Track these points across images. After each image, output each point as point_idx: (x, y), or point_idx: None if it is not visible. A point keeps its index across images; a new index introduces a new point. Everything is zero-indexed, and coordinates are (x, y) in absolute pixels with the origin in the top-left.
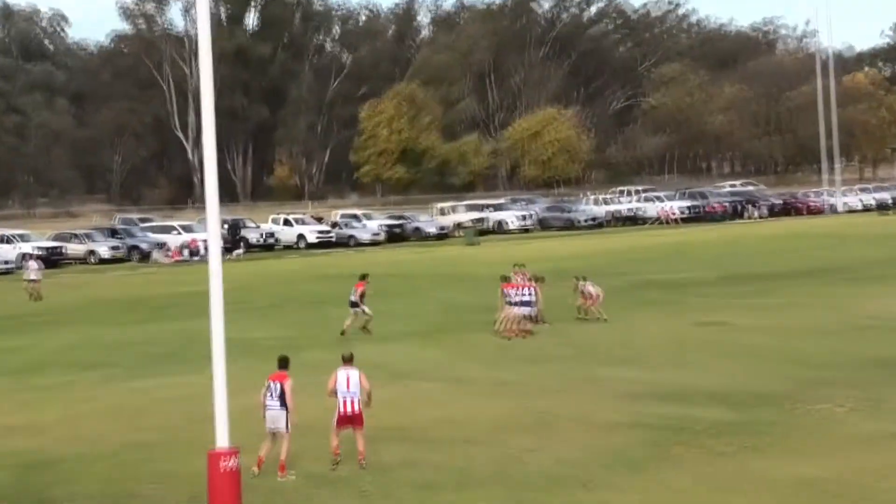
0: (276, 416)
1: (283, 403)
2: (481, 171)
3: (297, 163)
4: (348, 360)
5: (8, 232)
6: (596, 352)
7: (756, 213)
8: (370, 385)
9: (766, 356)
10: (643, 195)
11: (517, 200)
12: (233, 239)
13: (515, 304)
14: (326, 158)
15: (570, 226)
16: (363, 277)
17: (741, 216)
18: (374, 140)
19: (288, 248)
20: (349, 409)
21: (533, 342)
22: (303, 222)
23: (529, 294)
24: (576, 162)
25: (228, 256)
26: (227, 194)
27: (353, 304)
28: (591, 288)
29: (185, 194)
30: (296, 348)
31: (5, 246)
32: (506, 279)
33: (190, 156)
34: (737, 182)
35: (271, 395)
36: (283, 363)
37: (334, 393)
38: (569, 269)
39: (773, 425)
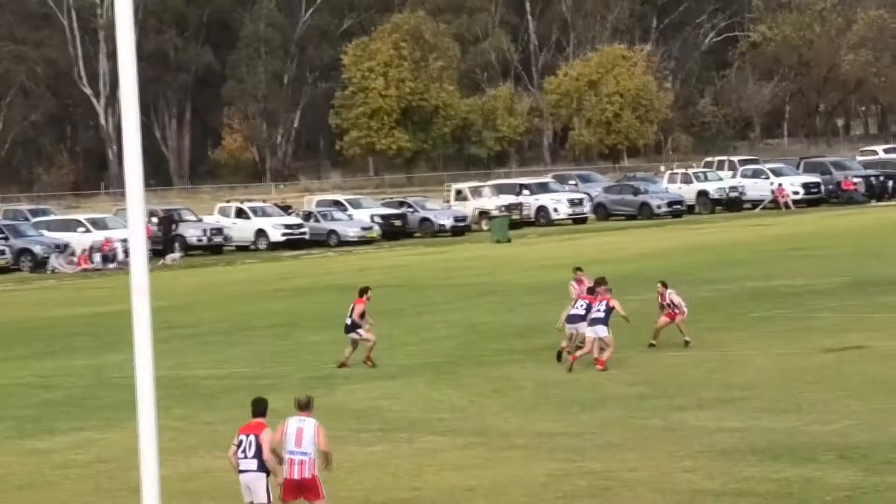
0: (253, 483)
1: (262, 464)
2: (516, 137)
3: (254, 129)
4: (304, 407)
5: None
6: (677, 390)
7: None
8: (329, 445)
9: None
10: (747, 168)
11: (566, 178)
12: (165, 238)
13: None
14: (296, 122)
15: (643, 213)
16: (363, 293)
17: (884, 197)
18: (363, 95)
19: (243, 248)
20: (298, 473)
21: (587, 377)
22: (264, 213)
23: (587, 307)
24: (651, 122)
25: (160, 262)
26: (157, 175)
27: (351, 328)
28: (675, 297)
29: (96, 176)
30: (257, 390)
31: None
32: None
33: (102, 120)
34: (878, 148)
35: (244, 453)
36: (260, 409)
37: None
38: (639, 275)
39: None
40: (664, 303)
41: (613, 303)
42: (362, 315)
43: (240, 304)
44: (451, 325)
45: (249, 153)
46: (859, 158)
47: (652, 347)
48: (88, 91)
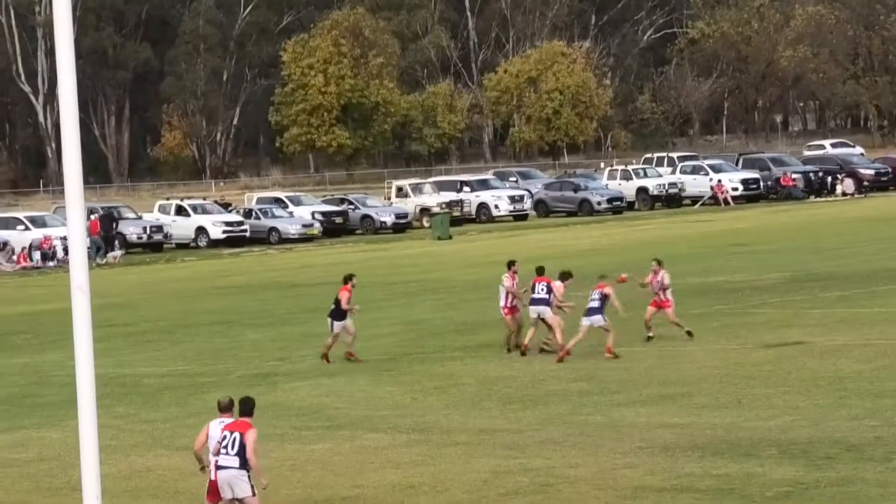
0: (234, 480)
1: (245, 462)
2: (456, 133)
3: (193, 126)
4: (225, 409)
5: None
6: (618, 386)
7: (841, 189)
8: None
9: (856, 389)
10: (686, 165)
11: (507, 175)
12: (105, 235)
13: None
14: (236, 119)
15: (584, 210)
16: (347, 280)
17: (823, 193)
18: (303, 92)
19: (183, 246)
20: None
21: (529, 374)
22: (203, 210)
23: (602, 298)
24: (591, 119)
25: (100, 261)
26: (96, 172)
27: (337, 316)
28: (667, 279)
29: (35, 173)
30: (197, 388)
31: None
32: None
33: (41, 118)
34: (825, 143)
35: (227, 449)
36: (247, 408)
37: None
38: (580, 272)
39: (868, 487)
40: (654, 282)
41: (608, 290)
42: (348, 302)
43: (180, 302)
44: (393, 322)
45: (189, 150)
46: (806, 153)
47: (650, 340)
48: (27, 89)
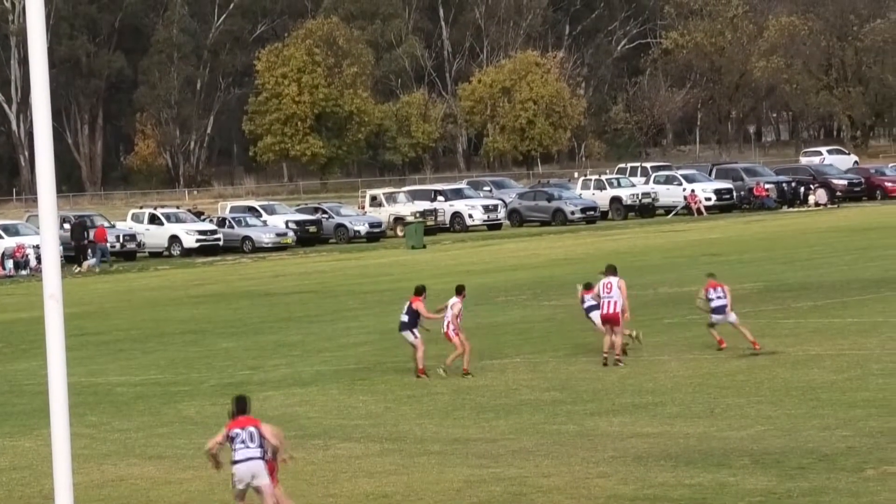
0: (256, 469)
1: (265, 452)
2: (430, 143)
3: (166, 135)
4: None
5: None
6: (591, 396)
7: (814, 200)
8: (276, 436)
9: (829, 399)
10: (660, 175)
11: (481, 184)
12: (77, 244)
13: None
14: (209, 128)
15: (557, 219)
16: (421, 291)
17: (796, 203)
18: (277, 101)
19: (156, 255)
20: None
21: (503, 383)
22: (177, 219)
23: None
24: (564, 129)
25: (77, 269)
26: (70, 181)
27: (406, 326)
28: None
29: (8, 182)
30: (170, 397)
31: None
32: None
33: (14, 126)
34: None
35: (246, 443)
36: (242, 405)
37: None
38: (553, 280)
39: (840, 496)
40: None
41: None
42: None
43: (153, 311)
44: (367, 331)
45: (162, 159)
46: (803, 160)
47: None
48: (0, 98)
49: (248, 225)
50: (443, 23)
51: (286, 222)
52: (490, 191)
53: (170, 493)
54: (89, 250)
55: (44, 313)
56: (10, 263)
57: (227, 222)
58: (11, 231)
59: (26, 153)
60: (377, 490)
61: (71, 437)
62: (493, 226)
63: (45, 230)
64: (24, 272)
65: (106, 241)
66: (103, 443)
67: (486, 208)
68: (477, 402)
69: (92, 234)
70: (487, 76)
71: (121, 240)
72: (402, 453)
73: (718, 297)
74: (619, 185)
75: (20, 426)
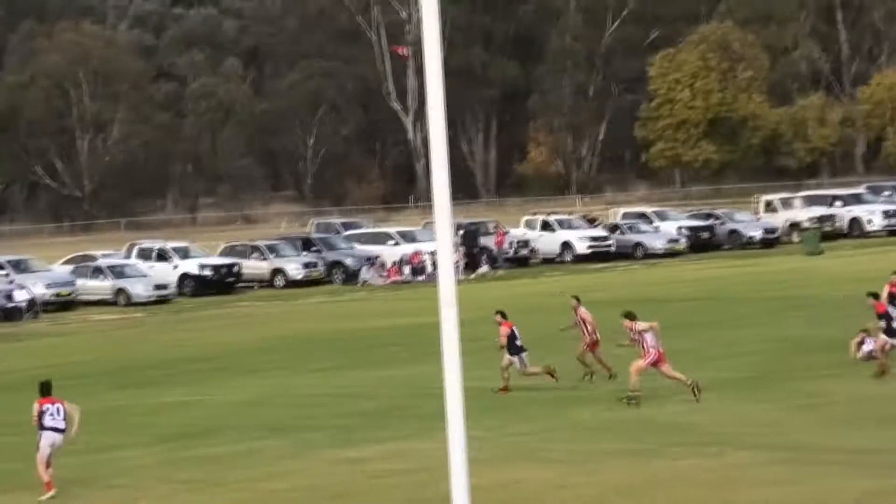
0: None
1: None
2: (827, 147)
3: (559, 142)
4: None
5: (163, 245)
6: None
7: None
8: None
9: None
10: None
11: (881, 189)
12: (469, 251)
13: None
14: (601, 135)
15: None
16: (505, 316)
17: None
18: (669, 107)
19: (548, 261)
20: None
21: None
22: (569, 226)
23: None
24: None
25: (472, 275)
26: (464, 188)
27: (519, 350)
28: None
29: (404, 190)
30: (563, 402)
31: (161, 265)
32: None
33: (410, 135)
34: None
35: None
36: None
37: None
38: None
39: None
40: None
41: None
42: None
43: (542, 316)
44: (760, 338)
45: (554, 166)
46: None
47: None
48: (397, 106)
49: (639, 231)
50: (840, 25)
51: (678, 228)
52: (891, 196)
53: (564, 497)
54: (483, 256)
55: (439, 319)
56: (407, 269)
57: (619, 228)
58: (409, 238)
59: (422, 161)
60: (777, 499)
61: (467, 439)
62: (895, 231)
63: (440, 237)
64: (420, 278)
65: (501, 246)
66: (498, 446)
67: (887, 214)
68: (879, 411)
69: (488, 240)
70: (886, 78)
71: (514, 246)
72: (798, 462)
73: None
74: None
75: (419, 429)
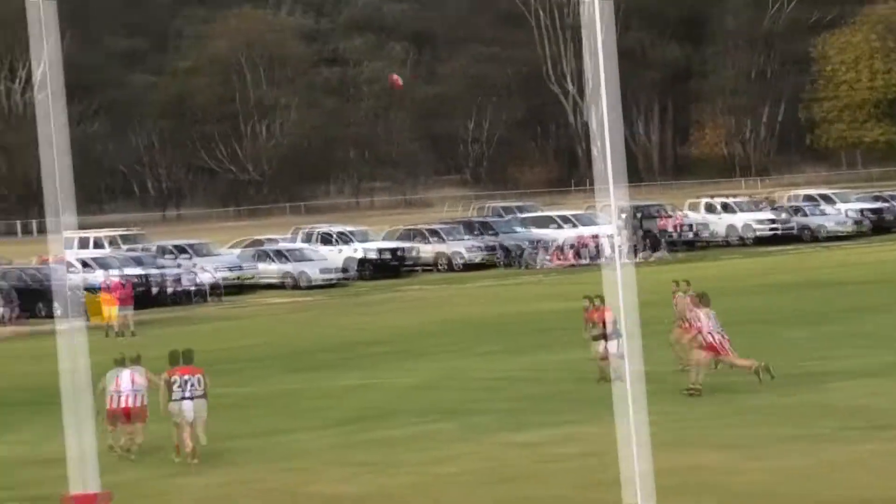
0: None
1: None
2: None
3: (725, 123)
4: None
5: (332, 229)
6: None
7: None
8: None
9: None
10: None
11: None
12: (644, 234)
13: None
14: (765, 117)
15: None
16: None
17: None
18: (837, 88)
19: (716, 244)
20: None
21: None
22: (742, 208)
23: None
24: None
25: (650, 257)
26: (629, 171)
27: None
28: None
29: (568, 173)
30: (737, 388)
31: (328, 248)
32: None
33: (571, 119)
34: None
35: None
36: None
37: None
38: None
39: None
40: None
41: None
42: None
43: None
44: None
45: (720, 148)
46: None
47: None
48: (557, 90)
49: (811, 214)
50: None
51: (851, 211)
52: None
53: (742, 482)
54: (647, 240)
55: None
56: (576, 252)
57: (790, 211)
58: (573, 221)
59: (583, 145)
60: None
61: (638, 424)
62: None
63: (614, 221)
64: (584, 261)
65: (675, 229)
66: (667, 430)
67: None
68: None
69: (659, 224)
70: None
71: (679, 229)
72: None
73: None
74: None
75: (587, 413)
